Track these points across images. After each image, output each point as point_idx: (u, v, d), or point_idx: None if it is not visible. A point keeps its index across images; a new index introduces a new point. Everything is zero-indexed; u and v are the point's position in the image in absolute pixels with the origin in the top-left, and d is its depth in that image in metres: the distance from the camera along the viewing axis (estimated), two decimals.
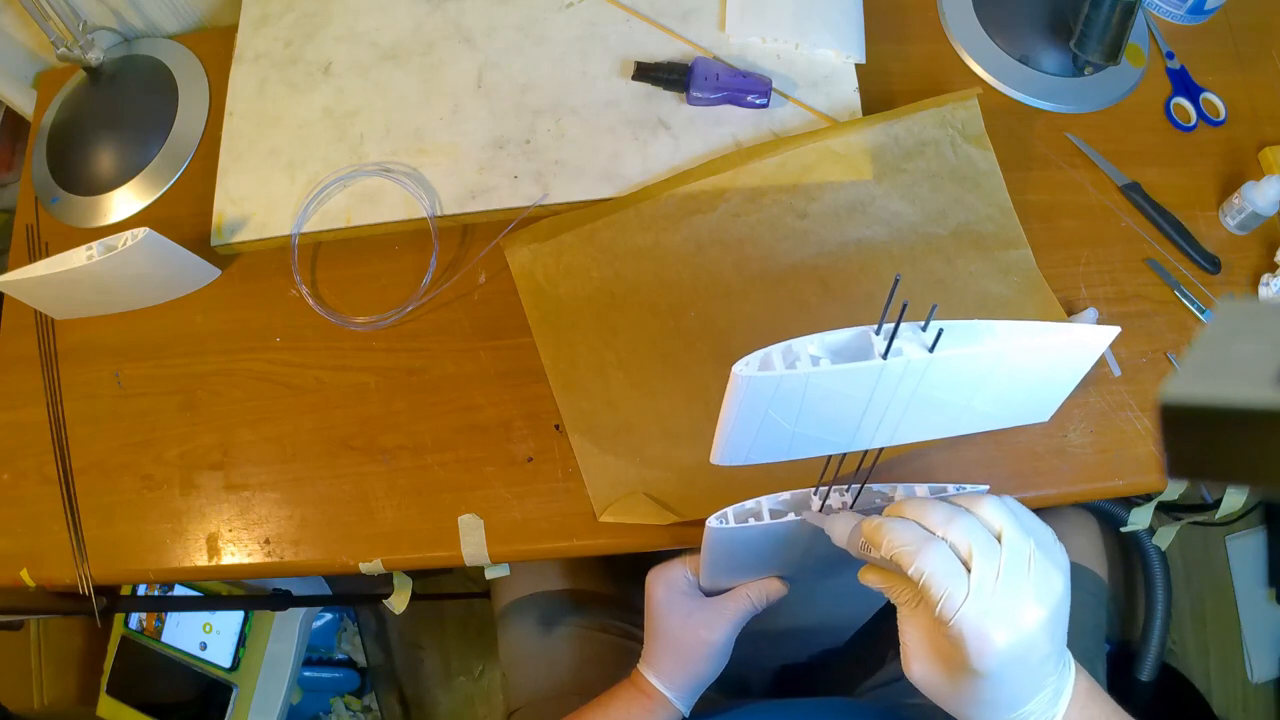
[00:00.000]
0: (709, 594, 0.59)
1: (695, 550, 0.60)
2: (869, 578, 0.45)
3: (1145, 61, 0.76)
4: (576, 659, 0.77)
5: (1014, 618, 0.39)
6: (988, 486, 0.50)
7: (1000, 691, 0.41)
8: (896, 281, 0.40)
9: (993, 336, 0.39)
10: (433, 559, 0.65)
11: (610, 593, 0.82)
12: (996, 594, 0.39)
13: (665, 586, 0.59)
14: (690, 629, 0.57)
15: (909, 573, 0.39)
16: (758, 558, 0.56)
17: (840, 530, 0.46)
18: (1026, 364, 0.40)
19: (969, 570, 0.39)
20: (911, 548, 0.39)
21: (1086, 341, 0.40)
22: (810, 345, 0.40)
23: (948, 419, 0.44)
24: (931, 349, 0.38)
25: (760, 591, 0.58)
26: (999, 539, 0.40)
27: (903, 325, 0.39)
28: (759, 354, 0.39)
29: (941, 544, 0.40)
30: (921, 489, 0.50)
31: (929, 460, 0.64)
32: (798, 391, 0.39)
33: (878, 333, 0.39)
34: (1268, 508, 1.26)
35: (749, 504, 0.51)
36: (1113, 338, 0.39)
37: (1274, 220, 0.69)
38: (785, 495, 0.51)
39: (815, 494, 0.50)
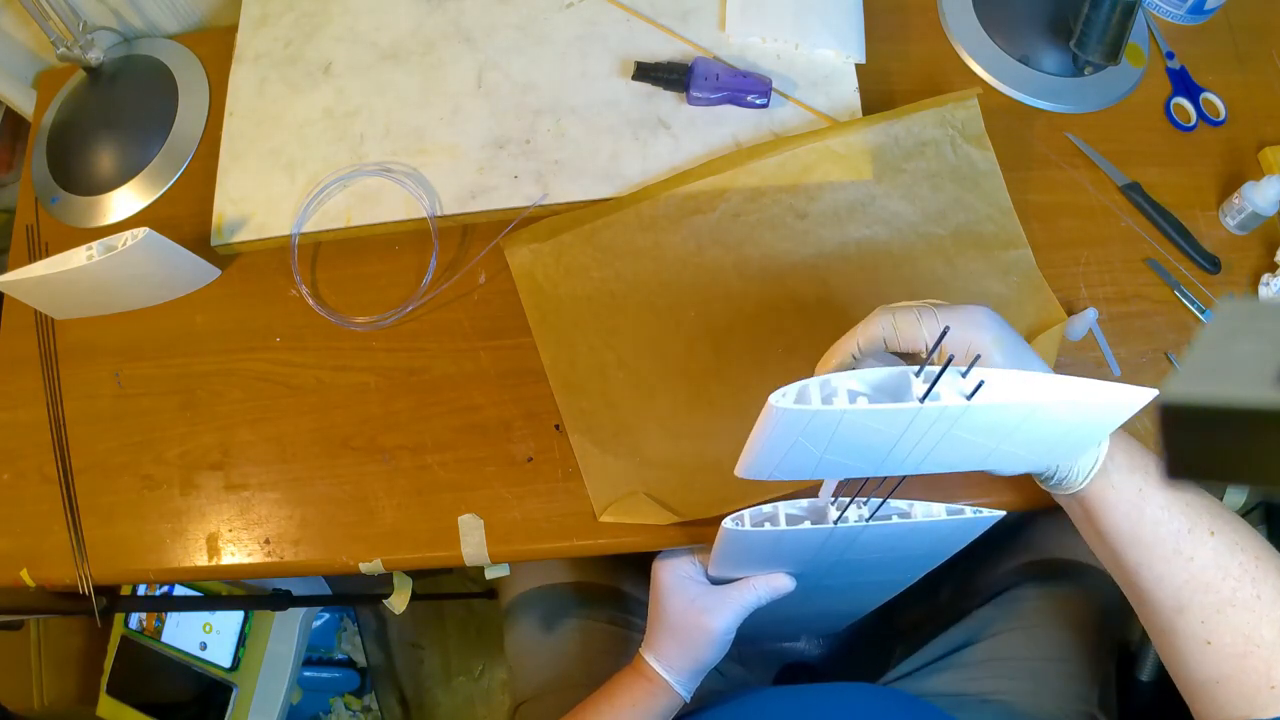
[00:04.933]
0: (715, 583, 0.59)
1: (701, 547, 0.60)
2: None
3: (1145, 61, 0.76)
4: (583, 651, 0.77)
5: None
6: (1004, 513, 0.50)
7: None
8: (945, 332, 0.40)
9: (1032, 391, 0.39)
10: (433, 559, 0.65)
11: (616, 586, 0.82)
12: None
13: (671, 572, 0.59)
14: (693, 614, 0.57)
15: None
16: (768, 557, 0.56)
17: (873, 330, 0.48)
18: (1060, 416, 0.40)
19: None
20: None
21: (1123, 401, 0.40)
22: (849, 381, 0.40)
23: (975, 458, 0.44)
24: (969, 397, 0.38)
25: (767, 586, 0.58)
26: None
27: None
28: (796, 386, 0.39)
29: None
30: (938, 508, 0.50)
31: None
32: (830, 425, 0.39)
33: (918, 374, 0.39)
34: (1268, 508, 1.26)
35: (765, 509, 0.51)
36: (1148, 400, 0.39)
37: (1274, 220, 0.69)
38: (803, 503, 0.52)
39: (833, 504, 0.51)
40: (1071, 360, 0.66)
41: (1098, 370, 0.66)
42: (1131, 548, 0.46)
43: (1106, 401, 0.40)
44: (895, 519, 0.50)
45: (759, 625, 0.61)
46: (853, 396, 0.39)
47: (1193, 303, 0.67)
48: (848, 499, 0.50)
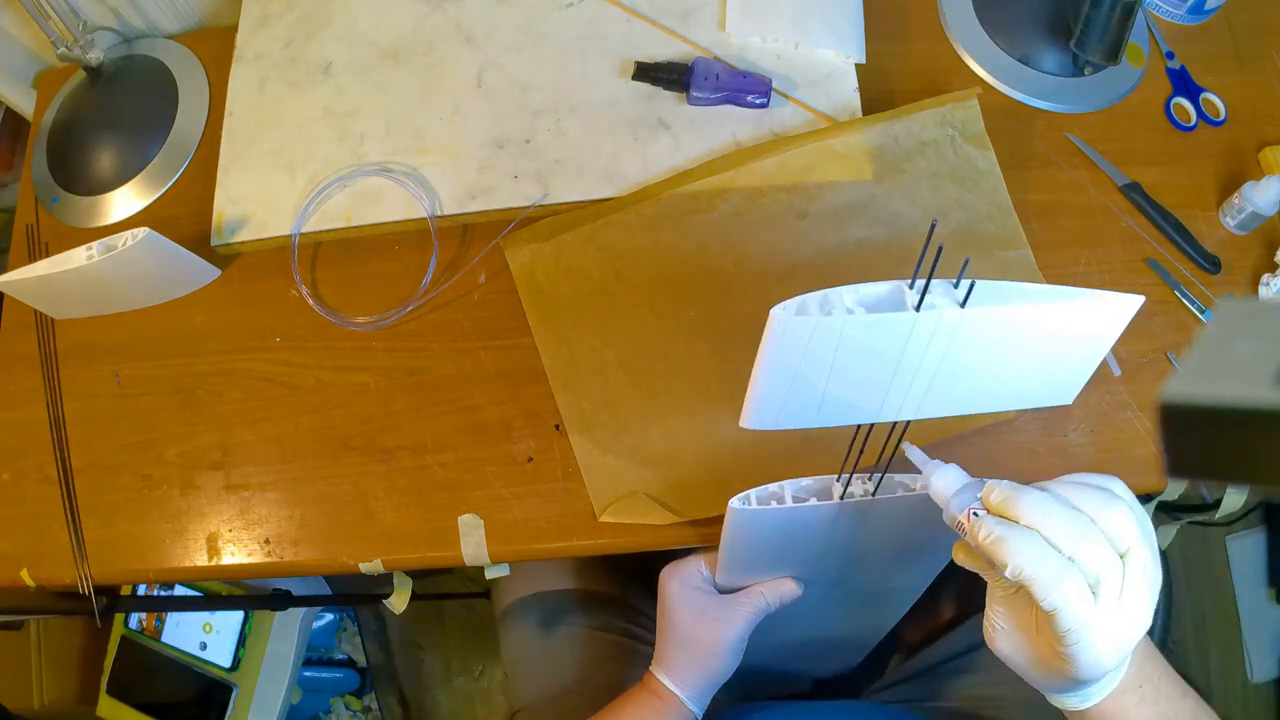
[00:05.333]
0: (723, 592, 0.59)
1: (707, 549, 0.60)
2: (962, 558, 0.45)
3: (1145, 61, 0.76)
4: (579, 659, 0.77)
5: (1129, 633, 0.39)
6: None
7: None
8: (933, 227, 0.40)
9: (1022, 297, 0.39)
10: (433, 559, 0.65)
11: (612, 592, 0.82)
12: (1117, 616, 0.38)
13: (679, 582, 0.59)
14: (704, 625, 0.57)
15: (1040, 604, 0.37)
16: (776, 550, 0.56)
17: (941, 487, 0.44)
18: (1053, 330, 0.40)
19: (1095, 594, 0.38)
20: (1044, 580, 0.37)
21: (1111, 310, 0.40)
22: (846, 296, 0.40)
23: (973, 391, 0.44)
24: (963, 304, 0.38)
25: (774, 590, 0.58)
26: (1123, 555, 0.39)
27: (936, 283, 0.39)
28: (795, 300, 0.39)
29: (1078, 577, 0.38)
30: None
31: None
32: (831, 341, 0.39)
33: (911, 286, 0.40)
34: (1268, 508, 1.26)
35: (772, 487, 0.51)
36: (1137, 307, 0.39)
37: (1274, 220, 0.69)
38: (807, 480, 0.51)
39: (838, 480, 0.50)
40: None
41: (1098, 370, 0.66)
42: None
43: (1096, 312, 0.40)
44: (901, 493, 0.50)
45: (773, 666, 0.60)
46: (850, 312, 0.40)
47: (1193, 303, 0.67)
48: (849, 474, 0.50)
